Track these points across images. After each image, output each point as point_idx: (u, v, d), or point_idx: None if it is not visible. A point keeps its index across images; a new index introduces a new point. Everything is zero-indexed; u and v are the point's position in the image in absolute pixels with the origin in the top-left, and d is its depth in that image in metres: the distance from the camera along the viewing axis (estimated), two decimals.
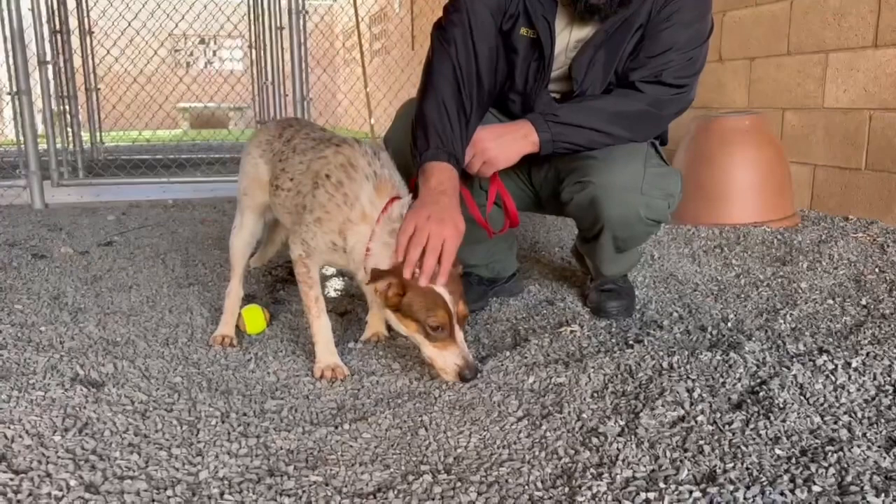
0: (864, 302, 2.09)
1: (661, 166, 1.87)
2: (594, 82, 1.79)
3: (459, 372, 1.48)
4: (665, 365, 1.63)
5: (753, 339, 1.79)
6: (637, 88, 1.76)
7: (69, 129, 5.62)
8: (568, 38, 1.82)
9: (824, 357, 1.63)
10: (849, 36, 3.07)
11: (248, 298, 2.15)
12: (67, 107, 5.60)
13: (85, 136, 6.05)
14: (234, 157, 6.44)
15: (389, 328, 1.78)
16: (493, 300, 2.16)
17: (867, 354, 1.65)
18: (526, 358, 1.68)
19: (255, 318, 1.89)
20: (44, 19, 4.72)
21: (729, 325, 1.93)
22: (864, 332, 1.82)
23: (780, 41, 3.44)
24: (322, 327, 1.61)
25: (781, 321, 1.94)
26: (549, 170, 1.96)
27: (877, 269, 2.42)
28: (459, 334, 1.49)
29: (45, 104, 4.60)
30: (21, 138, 4.29)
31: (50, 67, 4.69)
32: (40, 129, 4.67)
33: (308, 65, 5.04)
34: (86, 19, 5.87)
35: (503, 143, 1.71)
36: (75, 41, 5.82)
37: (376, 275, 1.46)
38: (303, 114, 5.06)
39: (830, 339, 1.79)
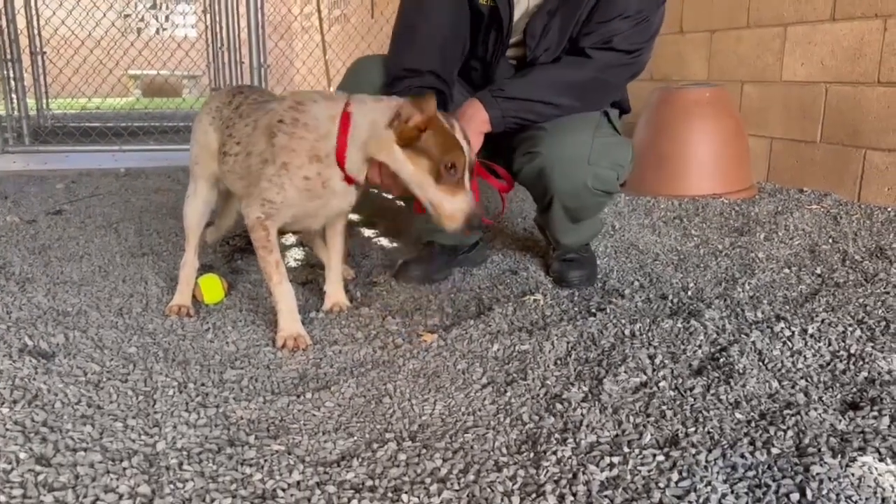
0: (818, 271, 2.13)
1: (612, 136, 1.86)
2: (549, 48, 1.77)
3: (467, 218, 1.47)
4: (627, 332, 1.64)
5: (713, 307, 1.81)
6: (587, 55, 1.75)
7: (13, 95, 5.37)
8: (527, 4, 1.79)
9: (781, 324, 1.66)
10: (807, 9, 3.10)
11: (204, 268, 2.10)
12: (11, 71, 5.36)
13: (30, 101, 5.79)
14: (187, 126, 6.25)
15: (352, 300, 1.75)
16: (456, 270, 2.15)
17: (822, 321, 1.69)
18: (490, 326, 1.67)
19: (212, 288, 1.84)
20: None
21: (689, 293, 1.95)
22: (819, 301, 1.86)
23: (740, 14, 3.46)
24: (285, 293, 1.58)
25: (740, 290, 1.97)
26: (503, 140, 1.95)
27: (830, 240, 2.47)
28: (468, 183, 1.49)
29: None
30: None
31: None
32: None
33: (265, 31, 4.91)
34: None
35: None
36: (18, 1, 5.55)
37: (404, 107, 1.43)
38: (260, 81, 4.94)
39: (787, 307, 1.82)
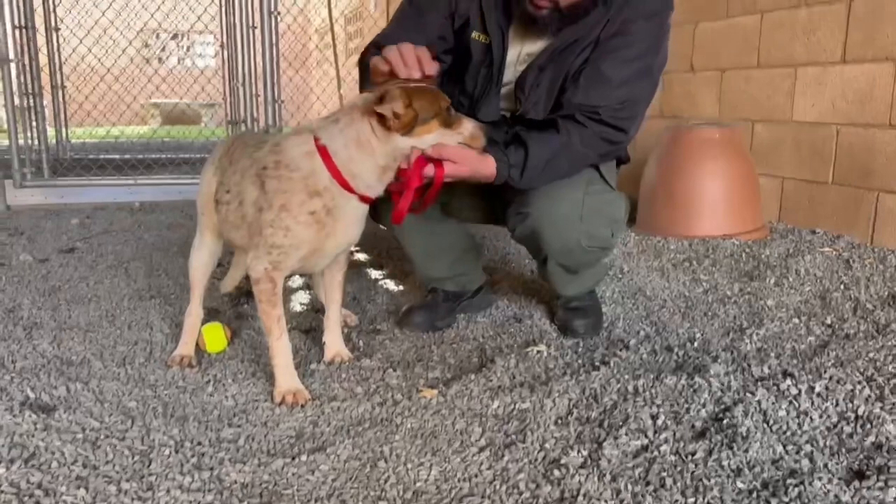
0: (828, 321, 2.10)
1: (604, 191, 1.85)
2: (538, 102, 1.77)
3: (483, 131, 1.57)
4: (630, 389, 1.62)
5: (719, 360, 1.78)
6: (580, 122, 1.71)
7: (34, 127, 5.48)
8: (520, 50, 1.80)
9: (788, 381, 1.63)
10: (818, 51, 3.10)
11: (211, 311, 2.11)
12: (33, 104, 5.47)
13: (51, 131, 5.88)
14: (202, 158, 6.34)
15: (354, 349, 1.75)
16: (460, 316, 2.14)
17: (830, 378, 1.66)
18: (491, 381, 1.66)
19: (215, 337, 1.85)
20: (6, 17, 4.58)
21: (695, 344, 1.92)
22: (828, 354, 1.83)
23: (750, 54, 3.46)
24: (282, 349, 1.58)
25: (747, 341, 1.94)
26: (496, 194, 1.94)
27: (842, 286, 2.44)
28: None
29: (8, 104, 4.48)
30: None
31: (13, 66, 4.56)
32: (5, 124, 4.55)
33: (280, 66, 4.97)
34: (52, 15, 5.73)
35: (471, 175, 1.65)
36: (41, 38, 5.68)
37: (379, 96, 1.45)
38: (274, 116, 4.99)
39: (795, 361, 1.79)
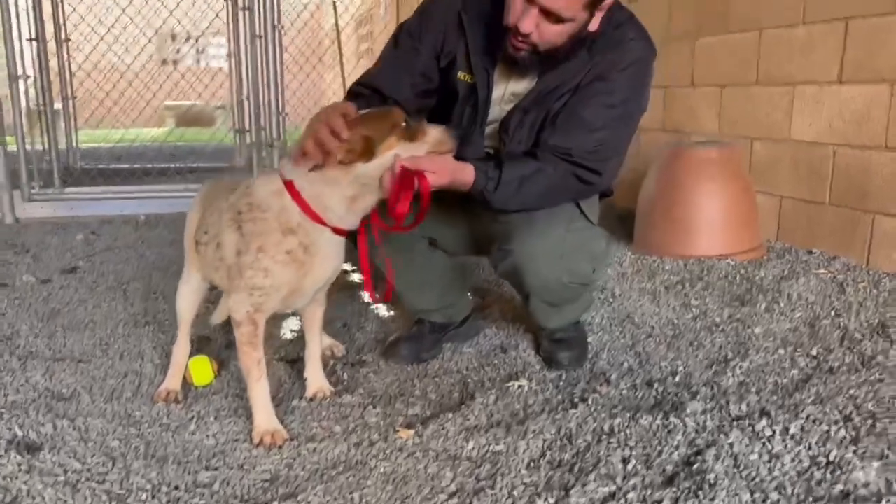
0: (814, 352, 2.10)
1: (585, 229, 1.86)
2: (521, 143, 1.79)
3: (448, 134, 1.62)
4: (606, 428, 1.63)
5: (698, 397, 1.79)
6: (554, 158, 1.73)
7: (45, 137, 5.58)
8: (504, 89, 1.82)
9: (764, 421, 1.64)
10: (815, 70, 3.08)
11: (202, 340, 2.15)
12: (44, 116, 5.57)
13: (61, 139, 5.96)
14: (212, 167, 6.40)
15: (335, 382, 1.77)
16: (447, 346, 2.16)
17: (807, 417, 1.66)
18: (468, 420, 1.68)
19: (201, 370, 1.89)
20: (14, 33, 4.66)
21: (677, 378, 1.93)
22: (809, 390, 1.83)
23: (749, 70, 3.44)
24: (261, 391, 1.61)
25: (730, 374, 1.95)
26: (479, 228, 1.95)
27: (833, 312, 2.43)
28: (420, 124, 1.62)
29: (17, 119, 4.55)
30: None
31: (22, 82, 4.64)
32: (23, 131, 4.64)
33: (284, 78, 5.02)
34: (62, 29, 5.82)
35: (452, 182, 1.67)
36: (52, 47, 5.77)
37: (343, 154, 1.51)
38: (278, 127, 5.04)
39: (775, 398, 1.80)
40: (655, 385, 1.88)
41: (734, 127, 3.58)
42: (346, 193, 1.56)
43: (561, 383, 1.92)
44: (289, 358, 2.08)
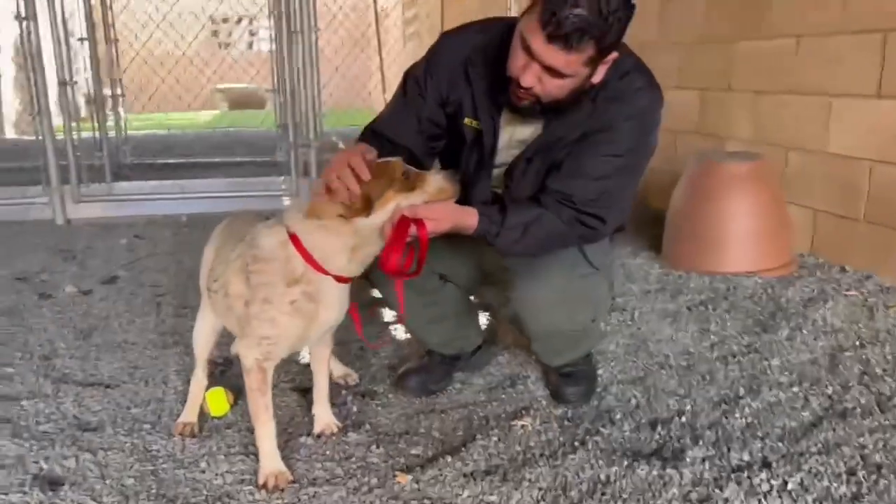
0: (830, 391, 2.06)
1: (588, 274, 1.85)
2: (525, 190, 1.80)
3: (451, 179, 1.65)
4: (602, 477, 1.66)
5: (701, 442, 1.80)
6: (557, 203, 1.73)
7: (96, 136, 5.79)
8: (510, 135, 1.82)
9: (763, 474, 1.64)
10: (852, 83, 2.97)
11: (226, 362, 2.24)
12: (97, 111, 5.79)
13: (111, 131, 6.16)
14: (258, 161, 6.52)
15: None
16: (457, 375, 2.20)
17: (809, 471, 1.66)
18: (468, 465, 1.72)
19: (217, 402, 1.97)
20: (61, 38, 4.83)
21: (682, 419, 1.93)
22: (817, 436, 1.82)
23: (786, 78, 3.34)
24: (268, 434, 1.67)
25: (738, 415, 1.94)
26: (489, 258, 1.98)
27: (857, 342, 2.38)
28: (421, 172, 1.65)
29: (67, 120, 4.74)
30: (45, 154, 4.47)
31: (69, 88, 4.82)
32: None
33: (320, 76, 5.08)
34: (111, 29, 6.01)
35: (454, 228, 1.68)
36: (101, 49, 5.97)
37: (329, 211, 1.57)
38: (316, 123, 5.12)
39: (780, 444, 1.79)
40: (659, 427, 1.89)
41: (769, 135, 3.49)
42: (348, 244, 1.61)
43: (565, 422, 1.94)
44: (301, 387, 2.14)
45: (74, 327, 2.67)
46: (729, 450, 1.77)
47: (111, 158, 5.78)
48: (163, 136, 9.09)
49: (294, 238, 1.61)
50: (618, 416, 1.95)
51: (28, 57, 4.41)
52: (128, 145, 6.54)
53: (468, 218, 1.68)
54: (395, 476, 1.68)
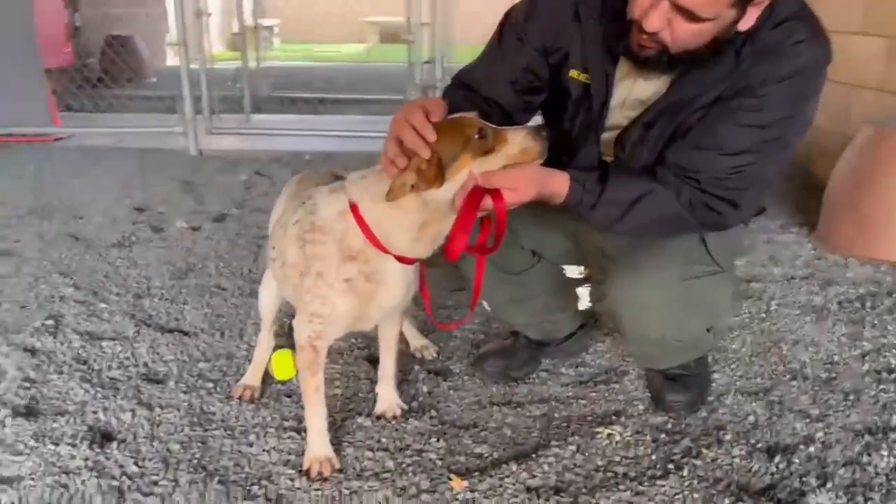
0: None
1: (707, 274, 1.52)
2: (639, 163, 1.47)
3: (537, 135, 1.34)
4: None
5: (827, 486, 1.46)
6: (682, 180, 1.40)
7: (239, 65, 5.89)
8: (628, 92, 1.50)
9: None
10: None
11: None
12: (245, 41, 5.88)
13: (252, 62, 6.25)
14: (392, 99, 6.40)
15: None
16: (544, 362, 1.95)
17: None
18: (534, 477, 1.49)
19: (283, 365, 1.86)
20: None
21: (810, 450, 1.58)
22: None
23: None
24: (317, 416, 1.53)
25: (885, 453, 1.57)
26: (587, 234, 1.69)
27: None
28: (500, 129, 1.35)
29: (199, 54, 4.80)
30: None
31: (205, 19, 4.86)
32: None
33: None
34: None
35: (539, 196, 1.40)
36: None
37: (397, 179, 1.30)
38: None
39: None
40: (778, 457, 1.55)
41: None
42: (415, 221, 1.38)
43: (662, 435, 1.65)
44: (374, 357, 1.98)
45: (173, 266, 2.66)
46: (867, 500, 1.41)
47: (251, 90, 5.87)
48: (307, 68, 9.23)
49: (354, 209, 1.41)
50: (728, 437, 1.63)
51: None
52: (268, 78, 6.62)
53: (557, 184, 1.39)
54: (449, 479, 1.48)
